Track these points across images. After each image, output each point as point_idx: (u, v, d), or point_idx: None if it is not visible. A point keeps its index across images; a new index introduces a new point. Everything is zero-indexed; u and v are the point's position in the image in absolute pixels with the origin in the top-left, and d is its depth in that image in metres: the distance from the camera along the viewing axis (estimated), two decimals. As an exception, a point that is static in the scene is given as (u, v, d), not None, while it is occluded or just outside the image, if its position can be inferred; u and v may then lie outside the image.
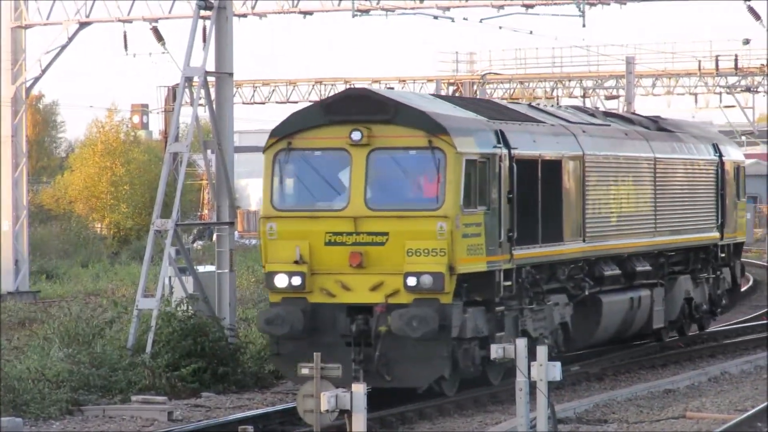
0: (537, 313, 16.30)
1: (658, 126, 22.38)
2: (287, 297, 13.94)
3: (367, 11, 38.22)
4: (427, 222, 13.37)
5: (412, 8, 38.93)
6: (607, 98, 67.50)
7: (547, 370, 9.00)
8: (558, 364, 9.17)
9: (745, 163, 25.27)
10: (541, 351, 9.12)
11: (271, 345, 15.04)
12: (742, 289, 32.47)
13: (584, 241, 17.38)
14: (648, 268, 19.79)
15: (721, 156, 22.86)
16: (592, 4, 38.76)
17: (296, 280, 13.70)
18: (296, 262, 13.68)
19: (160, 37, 39.18)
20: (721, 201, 22.54)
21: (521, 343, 9.26)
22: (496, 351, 9.77)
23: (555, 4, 37.90)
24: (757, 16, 46.84)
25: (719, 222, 22.50)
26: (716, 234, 22.42)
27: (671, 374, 19.11)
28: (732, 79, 68.99)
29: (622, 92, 59.31)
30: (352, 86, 52.89)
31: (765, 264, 55.52)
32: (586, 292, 17.67)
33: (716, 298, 23.46)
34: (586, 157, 17.39)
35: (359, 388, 7.81)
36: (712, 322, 25.24)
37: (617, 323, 18.65)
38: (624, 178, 19.14)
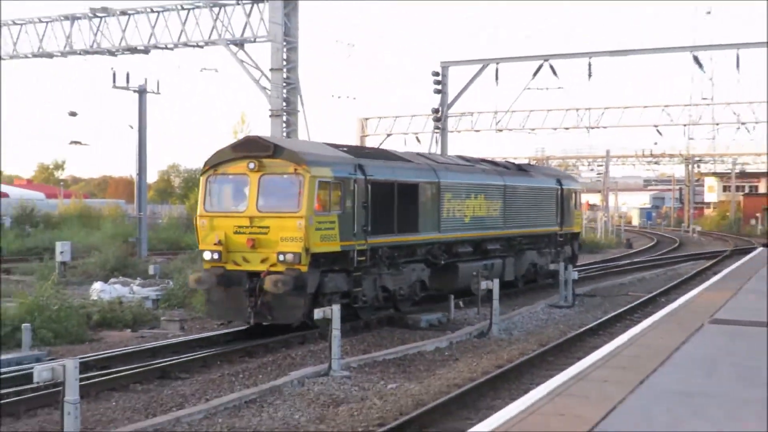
0: (395, 275, 22.99)
1: (518, 168, 33.70)
2: (213, 266, 19.75)
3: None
4: (291, 220, 19.18)
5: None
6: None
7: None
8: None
9: (578, 189, 37.61)
10: (336, 309, 16.68)
11: (204, 295, 21.36)
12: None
13: (440, 231, 24.88)
14: (498, 247, 28.60)
15: (561, 185, 33.98)
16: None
17: (216, 255, 19.73)
18: (216, 244, 19.69)
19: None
20: (560, 209, 33.45)
21: (336, 308, 16.54)
22: (317, 313, 16.63)
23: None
24: (701, 66, 47.89)
25: (559, 220, 33.36)
26: (557, 228, 33.33)
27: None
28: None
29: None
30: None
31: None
32: (443, 262, 25.30)
33: (558, 263, 31.71)
34: (441, 182, 25.02)
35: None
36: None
37: (470, 279, 24.93)
38: (477, 195, 27.24)
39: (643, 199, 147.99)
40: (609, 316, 25.10)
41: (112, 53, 40.09)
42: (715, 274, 33.76)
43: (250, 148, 20.15)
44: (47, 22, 41.36)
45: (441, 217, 24.94)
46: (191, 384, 15.80)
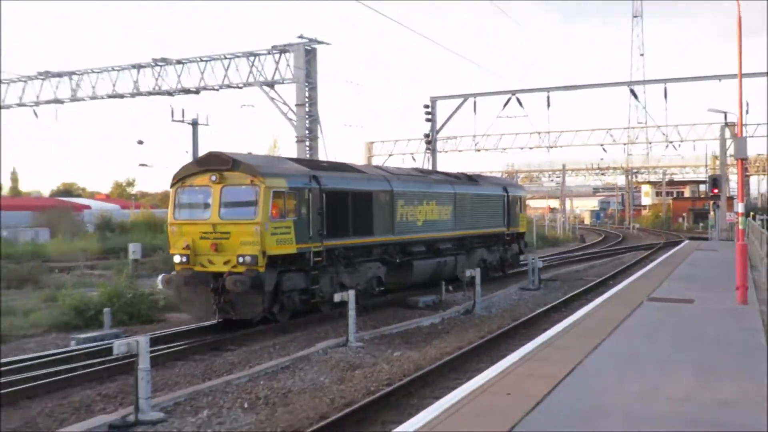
0: (352, 273, 20.98)
1: (469, 178, 30.56)
2: (182, 268, 17.87)
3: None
4: (249, 226, 17.37)
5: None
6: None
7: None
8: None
9: (523, 195, 34.19)
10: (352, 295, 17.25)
11: (174, 293, 19.05)
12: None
13: (394, 234, 22.74)
14: (450, 246, 26.27)
15: (507, 192, 31.53)
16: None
17: (184, 258, 17.86)
18: (184, 248, 17.84)
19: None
20: (507, 213, 30.95)
21: (352, 293, 17.46)
22: (337, 297, 17.34)
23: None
24: (636, 96, 48.11)
25: (506, 222, 30.88)
26: (504, 228, 30.77)
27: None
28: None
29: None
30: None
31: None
32: (398, 260, 23.12)
33: (506, 258, 31.57)
34: (394, 191, 22.94)
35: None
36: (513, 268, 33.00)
37: (428, 274, 24.43)
38: (428, 201, 24.90)
39: (593, 203, 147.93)
40: (568, 296, 25.03)
41: (170, 94, 40.12)
42: (652, 261, 33.87)
43: (211, 163, 18.14)
44: (118, 70, 41.42)
45: (395, 221, 22.76)
46: (238, 354, 15.81)
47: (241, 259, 17.12)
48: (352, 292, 16.37)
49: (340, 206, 20.13)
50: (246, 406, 11.51)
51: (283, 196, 17.99)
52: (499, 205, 30.43)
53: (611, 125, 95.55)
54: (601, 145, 63.29)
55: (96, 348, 15.58)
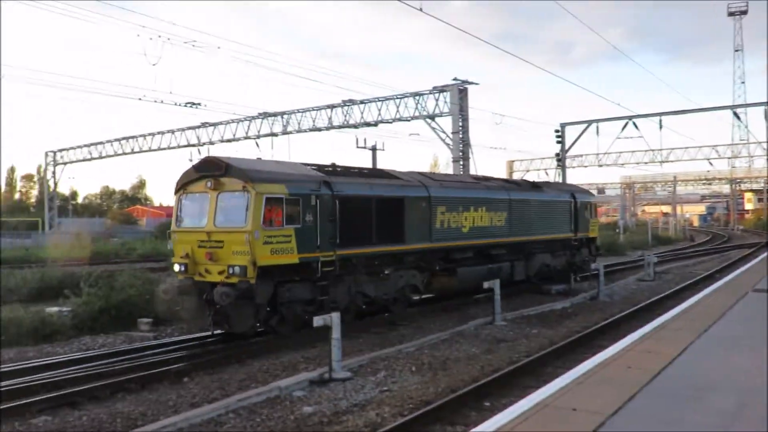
0: (377, 282, 15.98)
1: (532, 184, 24.09)
2: (181, 277, 13.90)
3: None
4: (240, 235, 13.04)
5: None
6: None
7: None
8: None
9: (593, 201, 26.88)
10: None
11: (172, 303, 14.03)
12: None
13: (431, 241, 17.33)
14: (504, 252, 20.44)
15: (575, 198, 24.77)
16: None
17: (182, 267, 13.84)
18: (183, 257, 13.88)
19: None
20: (574, 218, 24.44)
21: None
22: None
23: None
24: (739, 118, 44.47)
25: (573, 228, 24.40)
26: (570, 234, 24.26)
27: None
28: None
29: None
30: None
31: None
32: (437, 268, 17.91)
33: (575, 263, 24.66)
34: (432, 197, 17.44)
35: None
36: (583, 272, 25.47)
37: (477, 280, 17.98)
38: (478, 208, 19.23)
39: (701, 208, 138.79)
40: (680, 286, 23.66)
41: (355, 127, 41.04)
42: (755, 258, 31.35)
43: (207, 169, 14.14)
44: (317, 110, 42.88)
45: (433, 227, 17.37)
46: (407, 329, 15.87)
47: (231, 270, 13.18)
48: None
49: (359, 213, 15.35)
50: (413, 369, 11.54)
51: (282, 202, 13.64)
52: (564, 211, 23.97)
53: (716, 142, 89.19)
54: (708, 159, 59.19)
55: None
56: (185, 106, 40.12)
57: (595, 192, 66.10)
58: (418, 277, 17.31)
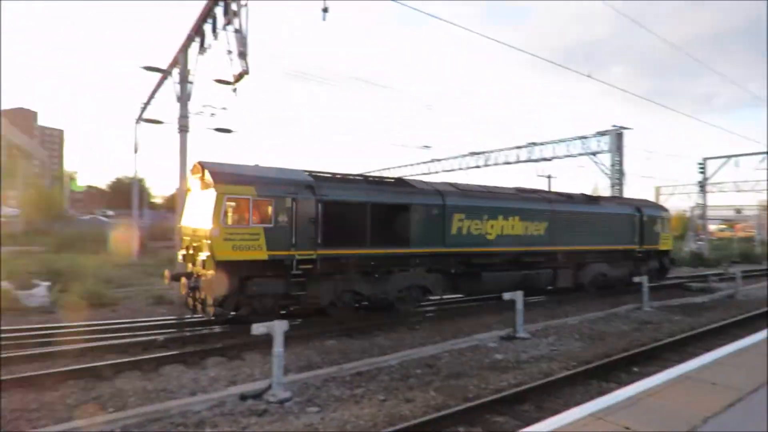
0: (373, 282, 11.77)
1: (589, 198, 17.61)
2: (182, 268, 11.23)
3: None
4: (205, 232, 10.08)
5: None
6: None
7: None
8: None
9: (665, 216, 19.43)
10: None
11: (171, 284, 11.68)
12: None
13: (445, 245, 12.81)
14: (541, 259, 14.87)
15: (641, 213, 18.25)
16: None
17: (182, 258, 11.18)
18: (184, 249, 11.12)
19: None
20: (640, 231, 18.01)
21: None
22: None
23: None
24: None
25: (638, 240, 17.93)
26: (634, 246, 17.82)
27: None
28: None
29: None
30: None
31: None
32: (453, 271, 13.08)
33: (638, 273, 17.66)
34: (448, 205, 12.94)
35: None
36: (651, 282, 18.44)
37: (508, 284, 13.55)
38: (509, 216, 14.20)
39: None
40: (815, 293, 19.09)
41: (535, 161, 39.27)
42: None
43: (196, 170, 10.99)
44: (507, 150, 41.85)
45: (447, 233, 13.00)
46: (573, 305, 14.64)
47: (200, 264, 10.43)
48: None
49: (349, 216, 11.53)
50: (577, 337, 10.73)
51: (248, 203, 10.30)
52: (626, 223, 17.81)
53: None
54: None
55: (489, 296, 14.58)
56: (420, 147, 41.16)
57: (731, 212, 55.88)
58: (428, 278, 12.82)
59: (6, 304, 12.64)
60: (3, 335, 9.69)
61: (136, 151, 18.71)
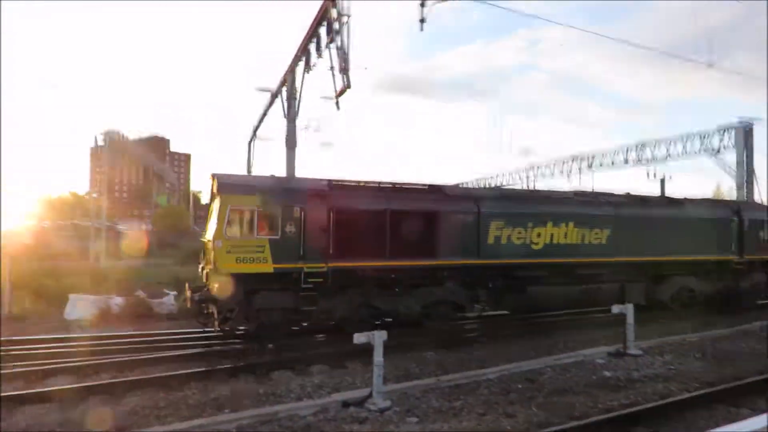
0: (394, 296, 10.82)
1: (667, 201, 15.03)
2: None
3: None
4: (210, 244, 9.81)
5: None
6: None
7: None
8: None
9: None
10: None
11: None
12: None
13: (479, 257, 11.40)
14: (602, 272, 12.68)
15: (740, 217, 14.98)
16: None
17: (200, 271, 10.89)
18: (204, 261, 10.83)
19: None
20: (740, 239, 14.79)
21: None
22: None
23: None
24: None
25: (736, 249, 14.75)
26: (731, 256, 14.67)
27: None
28: None
29: None
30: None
31: None
32: (490, 285, 11.71)
33: (737, 289, 14.91)
34: (482, 212, 11.52)
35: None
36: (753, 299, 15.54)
37: (563, 300, 12.19)
38: (560, 223, 12.29)
39: None
40: None
41: (647, 162, 36.43)
42: None
43: (211, 182, 10.52)
44: (615, 152, 39.14)
45: (482, 243, 11.51)
46: (692, 322, 13.23)
47: (206, 277, 10.14)
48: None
49: (366, 225, 10.59)
50: (698, 356, 9.74)
51: (252, 213, 9.82)
52: (718, 229, 14.66)
53: None
54: None
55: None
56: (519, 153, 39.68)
57: None
58: (459, 293, 11.53)
59: (141, 311, 14.36)
60: (138, 339, 10.98)
61: (249, 169, 20.22)
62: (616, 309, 9.85)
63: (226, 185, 10.05)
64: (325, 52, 13.80)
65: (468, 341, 10.90)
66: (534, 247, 12.15)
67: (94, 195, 42.88)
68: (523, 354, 9.91)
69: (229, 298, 9.61)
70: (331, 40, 13.28)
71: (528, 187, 41.69)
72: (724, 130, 30.57)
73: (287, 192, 10.22)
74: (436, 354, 9.91)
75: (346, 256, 10.29)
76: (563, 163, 43.94)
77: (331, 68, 13.15)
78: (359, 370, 8.71)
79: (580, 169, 42.27)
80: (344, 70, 12.68)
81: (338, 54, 12.87)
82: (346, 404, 6.40)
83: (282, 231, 9.95)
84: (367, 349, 6.73)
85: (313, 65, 15.04)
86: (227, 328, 9.99)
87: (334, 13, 12.95)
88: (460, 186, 13.32)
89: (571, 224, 12.59)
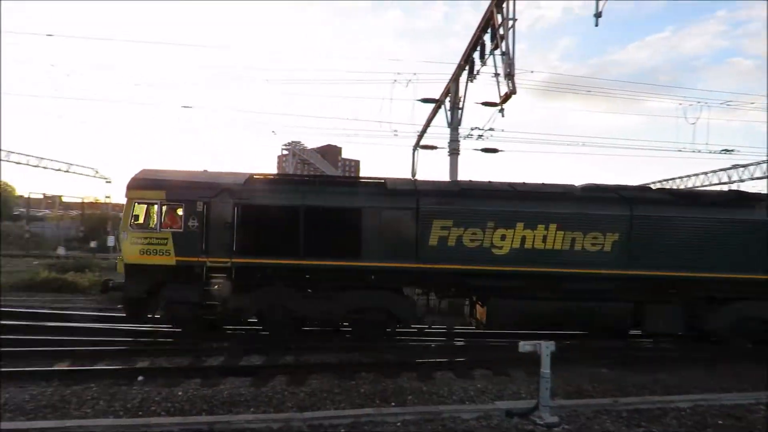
0: (311, 298, 10.00)
1: (682, 196, 10.69)
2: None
3: None
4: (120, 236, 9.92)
5: None
6: None
7: None
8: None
9: None
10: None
11: None
12: None
13: (418, 260, 9.87)
14: (609, 287, 9.94)
15: None
16: None
17: None
18: None
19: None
20: None
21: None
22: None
23: None
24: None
25: None
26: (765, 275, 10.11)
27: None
28: None
29: None
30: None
31: None
32: (438, 295, 10.36)
33: None
34: (422, 210, 9.89)
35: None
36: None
37: (529, 318, 9.86)
38: (539, 225, 9.82)
39: None
40: None
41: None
42: None
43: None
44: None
45: (423, 245, 9.75)
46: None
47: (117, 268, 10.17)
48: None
49: (276, 222, 9.84)
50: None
51: (156, 207, 9.82)
52: (759, 238, 10.12)
53: None
54: None
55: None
56: (720, 152, 25.52)
57: None
58: (392, 300, 10.09)
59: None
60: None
61: (414, 176, 20.67)
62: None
63: (134, 180, 10.02)
64: (489, 59, 13.57)
65: (651, 360, 9.31)
66: (496, 252, 9.92)
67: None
68: (725, 383, 8.14)
69: (134, 288, 9.77)
70: (496, 47, 12.90)
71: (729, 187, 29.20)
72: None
73: (192, 187, 9.99)
74: (614, 372, 8.58)
75: (252, 252, 9.81)
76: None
77: (496, 74, 12.81)
78: (524, 380, 8.11)
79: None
80: (509, 75, 12.11)
81: (503, 59, 12.32)
82: (509, 414, 6.16)
83: (185, 225, 9.85)
84: (533, 360, 6.25)
85: (477, 73, 14.86)
86: (157, 316, 10.04)
87: (498, 18, 12.57)
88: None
89: (552, 226, 9.94)
